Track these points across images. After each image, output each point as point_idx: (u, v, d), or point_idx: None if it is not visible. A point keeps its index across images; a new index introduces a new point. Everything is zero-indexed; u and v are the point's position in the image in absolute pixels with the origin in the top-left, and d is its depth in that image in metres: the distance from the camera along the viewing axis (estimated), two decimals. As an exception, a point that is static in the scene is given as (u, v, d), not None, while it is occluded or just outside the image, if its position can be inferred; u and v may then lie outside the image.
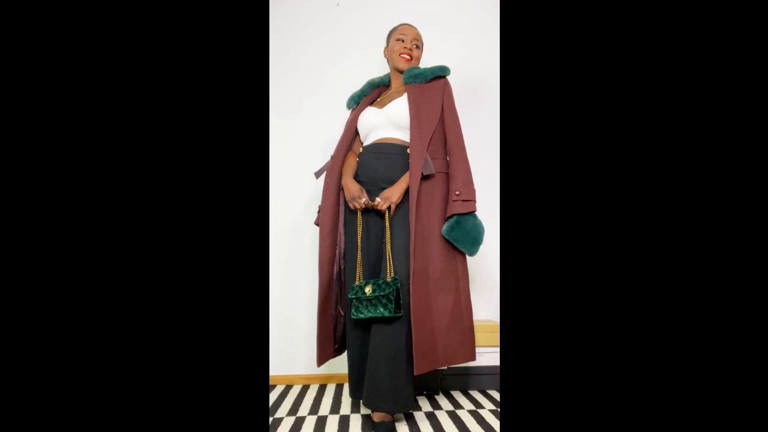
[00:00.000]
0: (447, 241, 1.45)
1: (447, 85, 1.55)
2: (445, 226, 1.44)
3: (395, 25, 1.69)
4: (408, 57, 1.57)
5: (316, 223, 1.62)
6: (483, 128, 2.10)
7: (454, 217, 1.43)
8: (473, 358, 1.47)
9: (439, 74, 1.56)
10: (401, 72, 1.60)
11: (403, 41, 1.58)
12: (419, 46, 1.60)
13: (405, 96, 1.52)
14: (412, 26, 1.62)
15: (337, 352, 1.61)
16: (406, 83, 1.56)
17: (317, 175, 1.62)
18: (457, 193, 1.43)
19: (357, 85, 1.79)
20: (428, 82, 1.55)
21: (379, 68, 2.11)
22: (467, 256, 1.50)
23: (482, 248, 1.54)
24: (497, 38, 2.17)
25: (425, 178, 1.44)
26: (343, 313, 1.58)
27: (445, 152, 1.52)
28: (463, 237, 1.42)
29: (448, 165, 1.51)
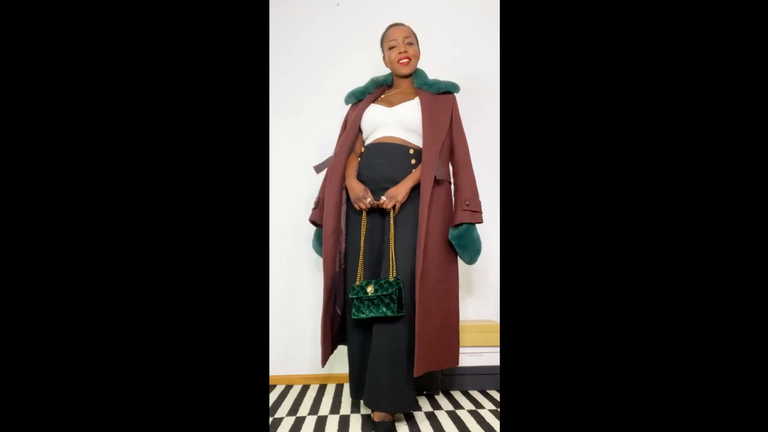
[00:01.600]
0: (446, 247, 1.48)
1: (455, 101, 1.59)
2: (453, 232, 1.47)
3: (383, 30, 1.66)
4: (407, 60, 1.57)
5: (312, 221, 1.62)
6: (483, 128, 2.10)
7: (464, 225, 1.46)
8: (457, 363, 1.53)
9: (450, 90, 1.58)
10: (405, 77, 1.62)
11: (396, 46, 1.57)
12: (413, 42, 1.59)
13: (417, 100, 1.55)
14: (399, 25, 1.61)
15: (331, 351, 1.61)
16: (418, 87, 1.59)
17: (317, 169, 1.61)
18: (466, 203, 1.46)
19: (357, 84, 1.79)
20: (439, 94, 1.58)
21: (377, 68, 2.11)
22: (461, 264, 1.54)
23: (482, 248, 1.56)
24: (497, 38, 2.17)
25: (435, 182, 1.45)
26: (340, 312, 1.58)
27: (449, 162, 1.57)
28: (469, 245, 1.47)
29: (450, 174, 1.56)
